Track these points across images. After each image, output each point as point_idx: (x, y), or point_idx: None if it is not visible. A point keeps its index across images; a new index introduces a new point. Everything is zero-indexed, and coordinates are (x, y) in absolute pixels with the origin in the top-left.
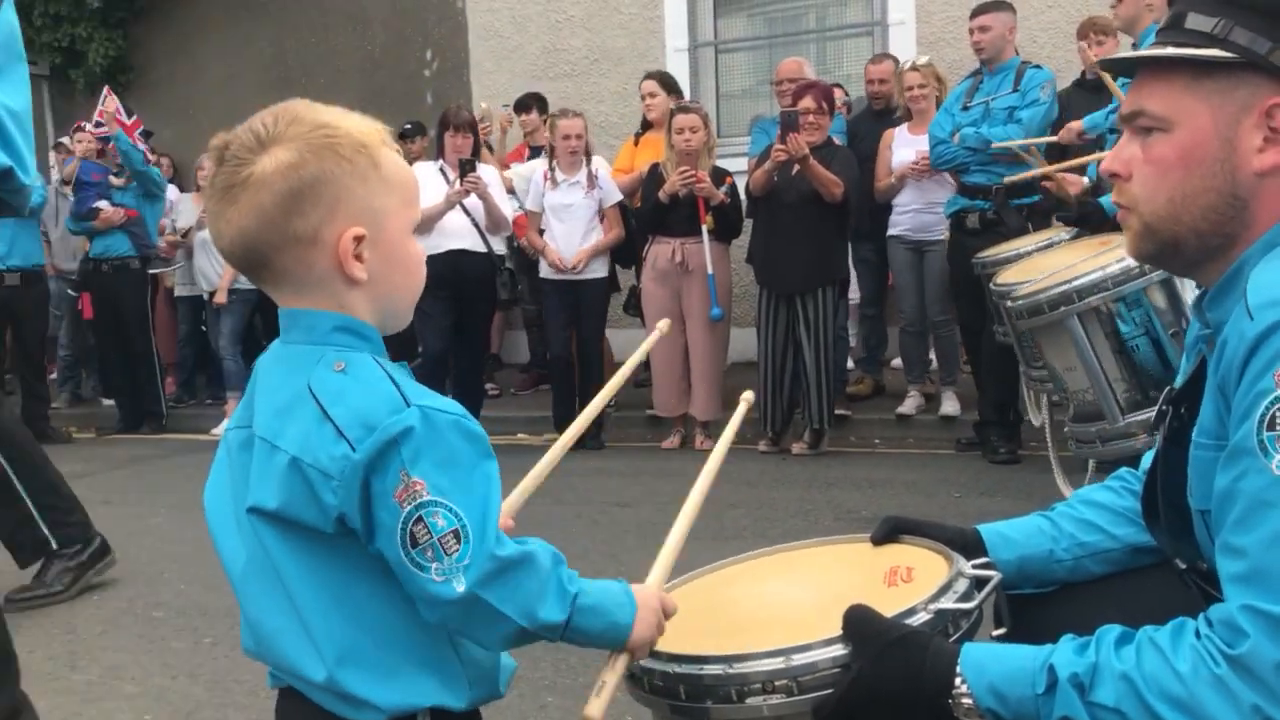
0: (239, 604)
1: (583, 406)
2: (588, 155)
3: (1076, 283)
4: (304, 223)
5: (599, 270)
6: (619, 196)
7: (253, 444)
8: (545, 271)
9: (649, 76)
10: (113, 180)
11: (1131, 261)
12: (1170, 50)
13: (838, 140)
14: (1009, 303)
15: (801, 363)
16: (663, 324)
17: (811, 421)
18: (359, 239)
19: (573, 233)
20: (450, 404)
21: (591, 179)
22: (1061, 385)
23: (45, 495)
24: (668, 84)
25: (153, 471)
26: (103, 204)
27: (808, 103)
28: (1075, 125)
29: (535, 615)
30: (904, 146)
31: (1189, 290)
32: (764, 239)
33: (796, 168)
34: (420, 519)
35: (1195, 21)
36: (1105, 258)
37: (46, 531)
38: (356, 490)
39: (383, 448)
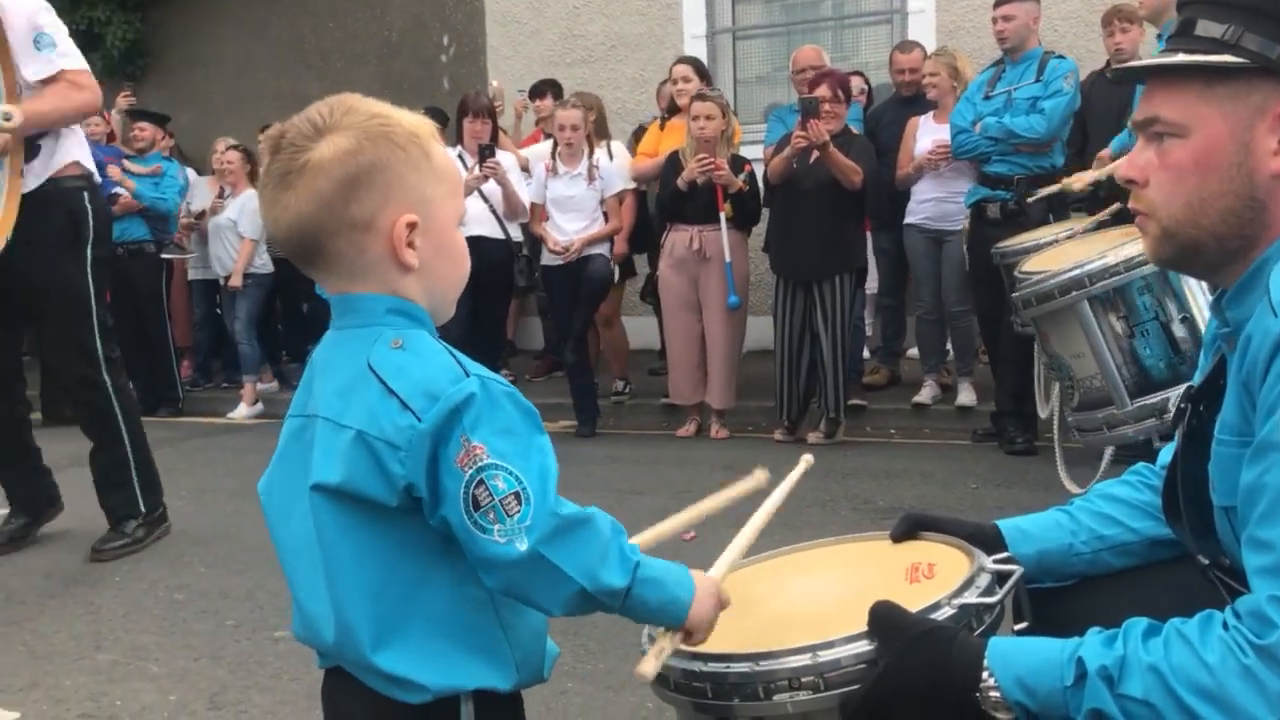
0: (292, 590)
1: (588, 389)
2: (590, 145)
3: (1088, 267)
4: (360, 208)
5: (600, 249)
6: (620, 186)
7: (307, 430)
8: (547, 259)
9: (681, 61)
10: (129, 166)
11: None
12: (1181, 58)
13: (854, 129)
14: (1016, 291)
15: (819, 352)
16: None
17: (828, 410)
18: (411, 226)
19: (575, 223)
20: (501, 377)
21: (593, 170)
22: (1068, 373)
23: (146, 468)
24: (700, 70)
25: (170, 455)
26: (120, 190)
27: (823, 91)
28: (1103, 154)
29: (597, 577)
30: (928, 135)
31: (1187, 284)
32: (780, 227)
33: (815, 155)
34: (481, 482)
35: (1205, 28)
36: (1123, 246)
37: (140, 499)
38: (424, 459)
39: (447, 416)
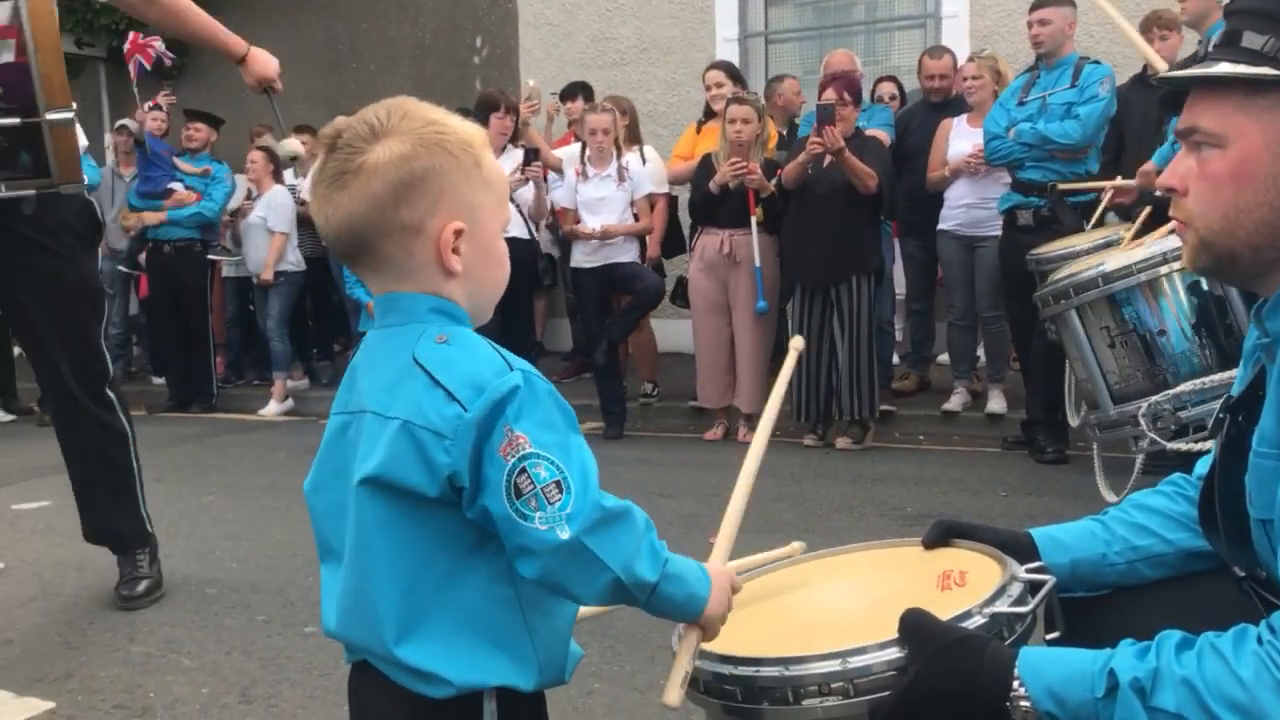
0: (326, 586)
1: (616, 392)
2: (618, 148)
3: (1077, 278)
4: (411, 212)
5: (628, 254)
6: (650, 188)
7: (349, 427)
8: (576, 260)
9: (714, 66)
10: (179, 165)
11: (1125, 261)
12: (1221, 68)
13: (884, 133)
14: (1035, 294)
15: (836, 356)
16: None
17: (844, 413)
18: (458, 233)
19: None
20: (539, 374)
21: (622, 171)
22: (1074, 374)
23: (142, 492)
24: (734, 74)
25: (202, 450)
26: (176, 185)
27: (829, 94)
28: (1148, 167)
29: (633, 569)
30: (961, 139)
31: (1182, 293)
32: (795, 231)
33: (829, 160)
34: (524, 470)
35: (1250, 39)
36: (1114, 258)
37: (147, 524)
38: (469, 448)
39: (492, 407)
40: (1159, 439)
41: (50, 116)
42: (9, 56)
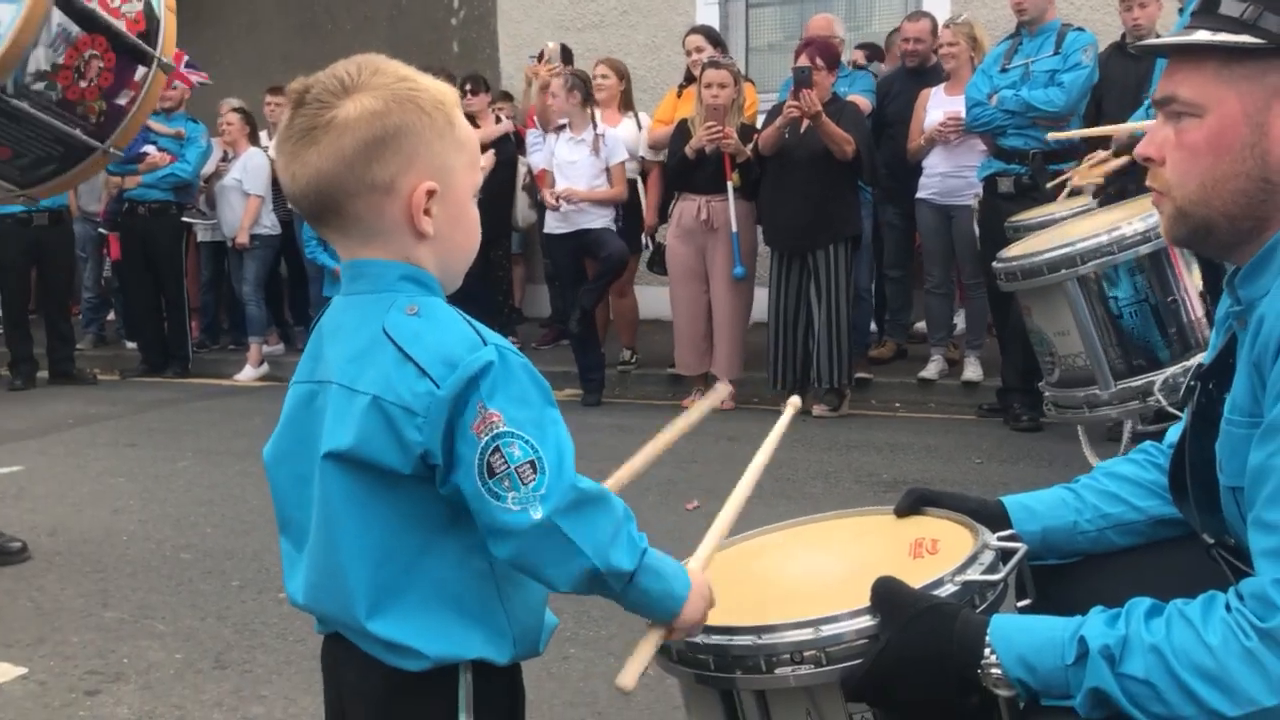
0: (289, 558)
1: (595, 359)
2: (593, 114)
3: (1079, 246)
4: (382, 170)
5: (599, 220)
6: (622, 155)
7: (316, 397)
8: (549, 226)
9: (694, 31)
10: (152, 125)
11: (1137, 228)
12: (1199, 36)
13: (864, 99)
14: (998, 264)
15: (812, 322)
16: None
17: (821, 380)
18: (431, 193)
19: (576, 189)
20: (513, 347)
21: (598, 139)
22: (1049, 348)
23: None
24: (714, 39)
25: (177, 416)
26: (149, 149)
27: (803, 60)
28: (1119, 132)
29: (608, 556)
30: (937, 108)
31: (1191, 263)
32: (773, 197)
33: (806, 124)
34: (497, 449)
35: (1228, 6)
36: (1120, 227)
37: None
38: (442, 425)
39: (465, 383)
40: (1175, 412)
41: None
42: None
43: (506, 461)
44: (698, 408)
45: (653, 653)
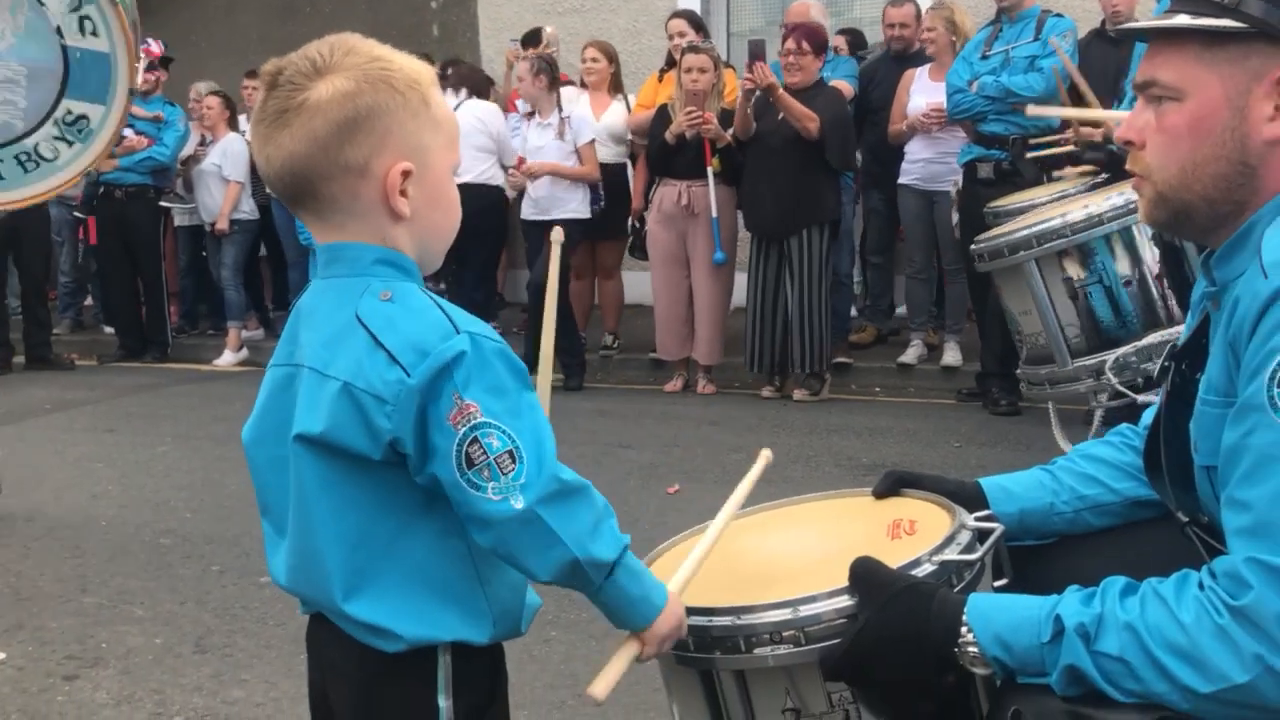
0: (270, 540)
1: (572, 342)
2: (558, 97)
3: (1037, 228)
4: (356, 152)
5: (576, 210)
6: (590, 136)
7: (294, 380)
8: (524, 213)
9: (677, 15)
10: (132, 109)
11: (1094, 210)
12: (1181, 20)
13: (847, 84)
14: (975, 246)
15: (785, 306)
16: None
17: (793, 365)
18: (406, 174)
19: (550, 178)
20: (492, 331)
21: (564, 122)
22: (1016, 327)
23: None
24: (697, 24)
25: (156, 400)
26: (127, 131)
27: (789, 44)
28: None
29: (588, 547)
30: (920, 93)
31: (1147, 246)
32: (751, 182)
33: (769, 102)
34: (475, 440)
35: None
36: (1076, 210)
37: None
38: (412, 415)
39: (437, 372)
40: (1127, 391)
41: None
42: None
43: (485, 452)
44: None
45: (625, 666)
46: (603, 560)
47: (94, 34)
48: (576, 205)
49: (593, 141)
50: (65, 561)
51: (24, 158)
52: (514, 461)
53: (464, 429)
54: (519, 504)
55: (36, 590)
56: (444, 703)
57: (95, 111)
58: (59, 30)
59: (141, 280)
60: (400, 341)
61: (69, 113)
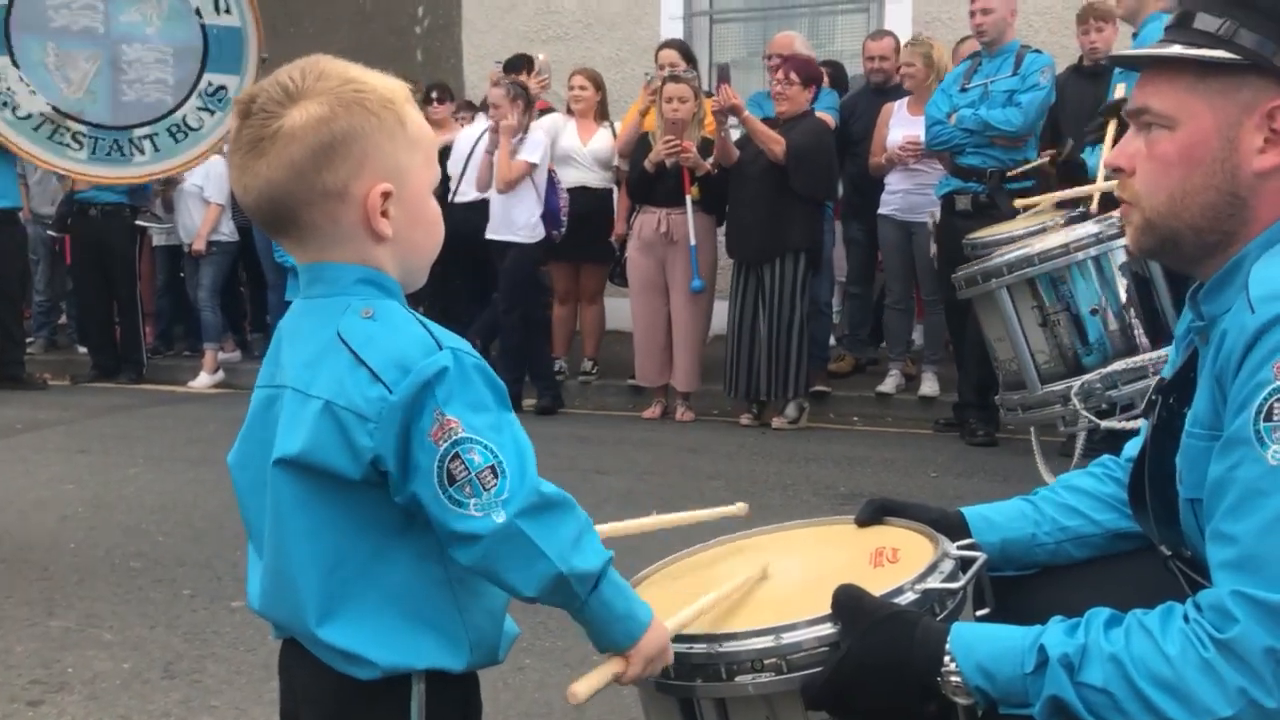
0: (252, 562)
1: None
2: (526, 124)
3: (1007, 257)
4: (333, 177)
5: (522, 233)
6: (534, 157)
7: (275, 402)
8: (490, 233)
9: (667, 45)
10: None
11: (1063, 239)
12: (1175, 50)
13: (829, 115)
14: (956, 275)
15: (759, 334)
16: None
17: (759, 392)
18: (386, 195)
19: (504, 197)
20: (471, 348)
21: (521, 140)
22: (994, 354)
23: None
24: (688, 55)
25: (129, 421)
26: None
27: (778, 74)
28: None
29: (571, 561)
30: (899, 127)
31: (1117, 276)
32: (733, 210)
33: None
34: (457, 455)
35: (1203, 21)
36: (1046, 239)
37: None
38: (394, 432)
39: (419, 388)
40: (1091, 417)
41: None
42: None
43: (467, 468)
44: (710, 512)
45: (609, 679)
46: (586, 572)
47: (227, 11)
48: (524, 228)
49: (530, 161)
50: (33, 584)
51: (174, 129)
52: (496, 477)
53: (445, 445)
54: (500, 518)
55: (2, 613)
56: None
57: (232, 81)
58: (198, 10)
59: (116, 300)
60: (382, 358)
61: (210, 84)
